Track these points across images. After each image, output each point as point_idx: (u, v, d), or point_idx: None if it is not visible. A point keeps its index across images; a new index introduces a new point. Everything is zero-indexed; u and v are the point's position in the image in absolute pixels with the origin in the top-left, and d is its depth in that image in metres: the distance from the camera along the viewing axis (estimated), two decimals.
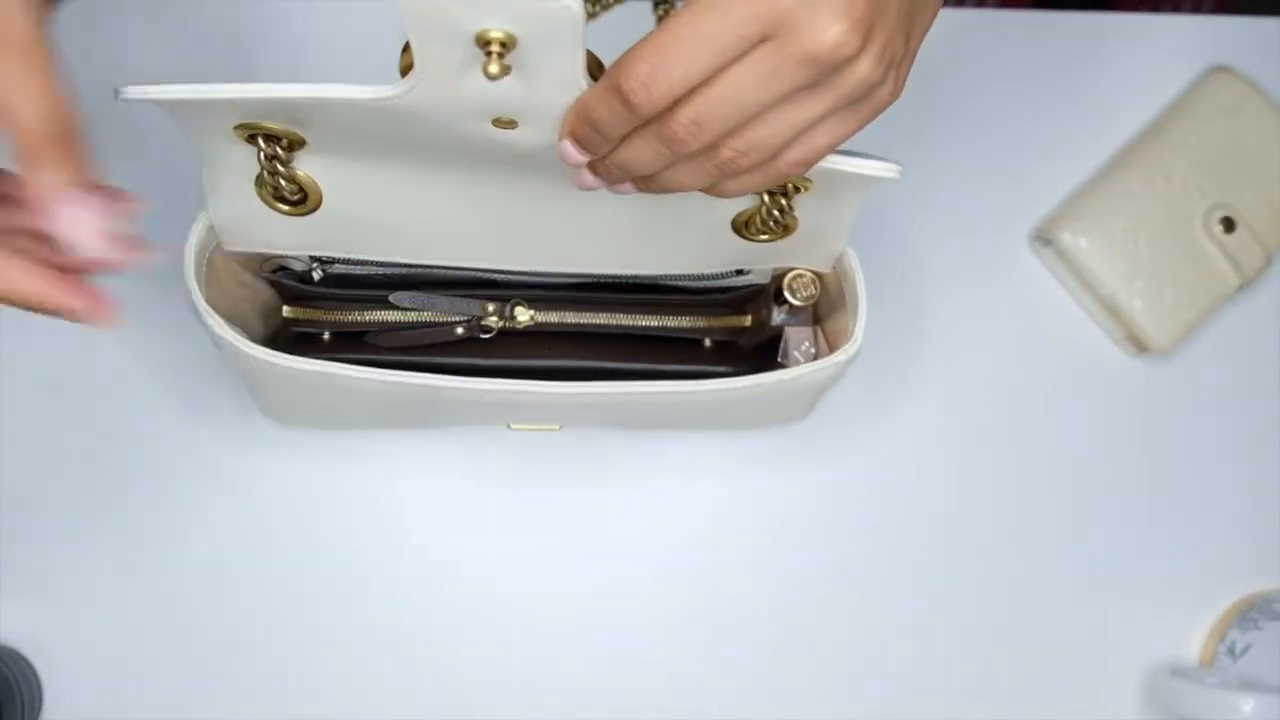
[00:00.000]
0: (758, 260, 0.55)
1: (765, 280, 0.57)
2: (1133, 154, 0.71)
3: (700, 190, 0.41)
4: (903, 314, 0.70)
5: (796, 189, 0.48)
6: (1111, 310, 0.69)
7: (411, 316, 0.56)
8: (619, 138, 0.39)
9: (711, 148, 0.38)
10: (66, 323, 0.66)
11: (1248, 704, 0.60)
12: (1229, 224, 0.69)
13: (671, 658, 0.66)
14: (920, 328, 0.70)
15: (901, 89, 0.40)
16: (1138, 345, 0.70)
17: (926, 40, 0.71)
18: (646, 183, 0.41)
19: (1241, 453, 0.70)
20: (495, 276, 0.56)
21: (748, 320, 0.58)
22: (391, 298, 0.55)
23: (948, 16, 0.73)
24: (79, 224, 0.38)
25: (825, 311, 0.57)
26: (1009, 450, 0.69)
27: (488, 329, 0.56)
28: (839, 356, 0.52)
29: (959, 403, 0.69)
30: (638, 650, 0.66)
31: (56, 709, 0.64)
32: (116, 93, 0.42)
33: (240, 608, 0.65)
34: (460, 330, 0.56)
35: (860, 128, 0.40)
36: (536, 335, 0.57)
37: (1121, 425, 0.70)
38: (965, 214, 0.71)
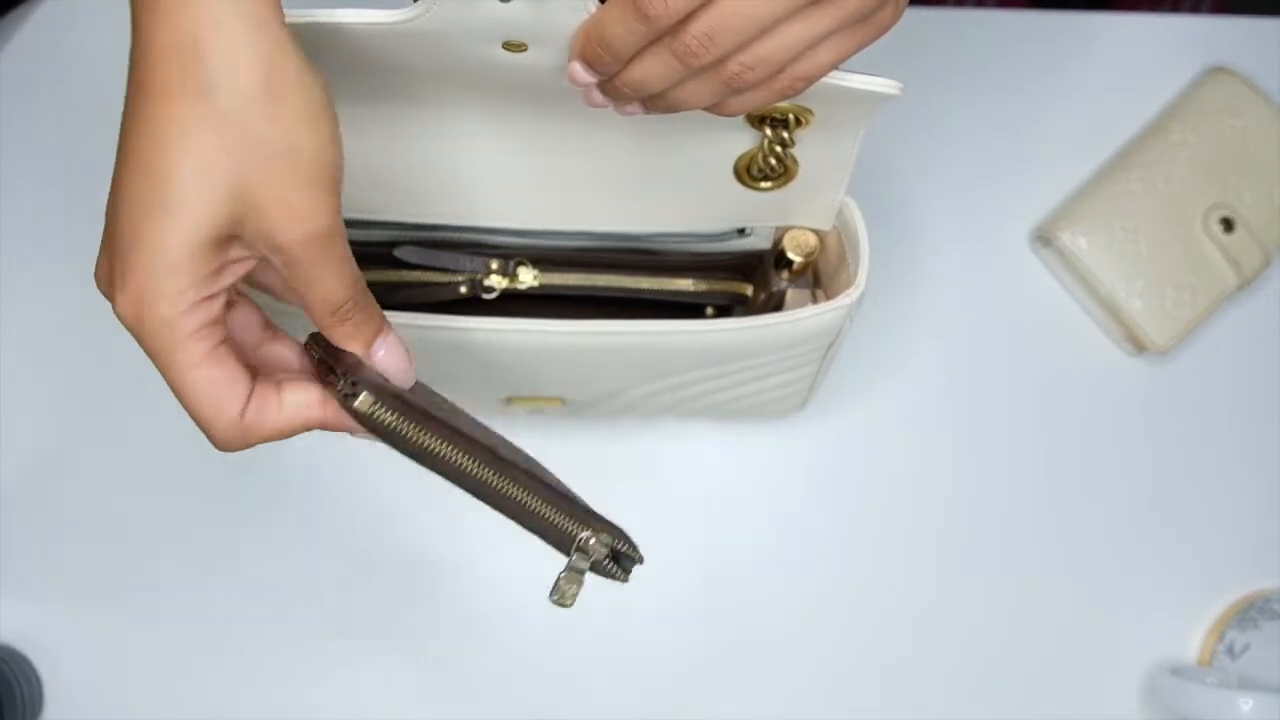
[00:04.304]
0: (759, 214, 0.55)
1: (766, 245, 0.58)
2: (1132, 154, 0.71)
3: (705, 109, 0.42)
4: (902, 313, 0.70)
5: (798, 121, 0.48)
6: (1111, 310, 0.69)
7: (413, 276, 0.56)
8: (629, 57, 0.40)
9: (720, 62, 0.39)
10: (63, 318, 0.66)
11: (1247, 703, 0.60)
12: (1228, 224, 0.70)
13: (671, 648, 0.66)
14: (920, 327, 0.70)
15: (903, 11, 0.41)
16: (1137, 345, 0.70)
17: (926, 40, 0.72)
18: (654, 101, 0.42)
19: (1241, 453, 0.70)
20: (499, 240, 0.56)
21: (749, 288, 0.58)
22: (397, 251, 0.55)
23: (948, 16, 0.73)
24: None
25: (826, 278, 0.58)
26: (1008, 450, 0.69)
27: (490, 289, 0.56)
28: (843, 300, 0.52)
29: (958, 403, 0.69)
30: (637, 640, 0.66)
31: (56, 709, 0.64)
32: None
33: (241, 606, 0.65)
34: (463, 289, 0.56)
35: (862, 47, 0.41)
36: (538, 300, 0.56)
37: (1121, 425, 0.70)
38: (965, 214, 0.71)
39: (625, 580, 0.43)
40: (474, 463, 0.41)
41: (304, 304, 0.40)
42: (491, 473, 0.41)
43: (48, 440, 0.66)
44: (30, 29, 0.70)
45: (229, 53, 0.36)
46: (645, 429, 0.67)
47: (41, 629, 0.64)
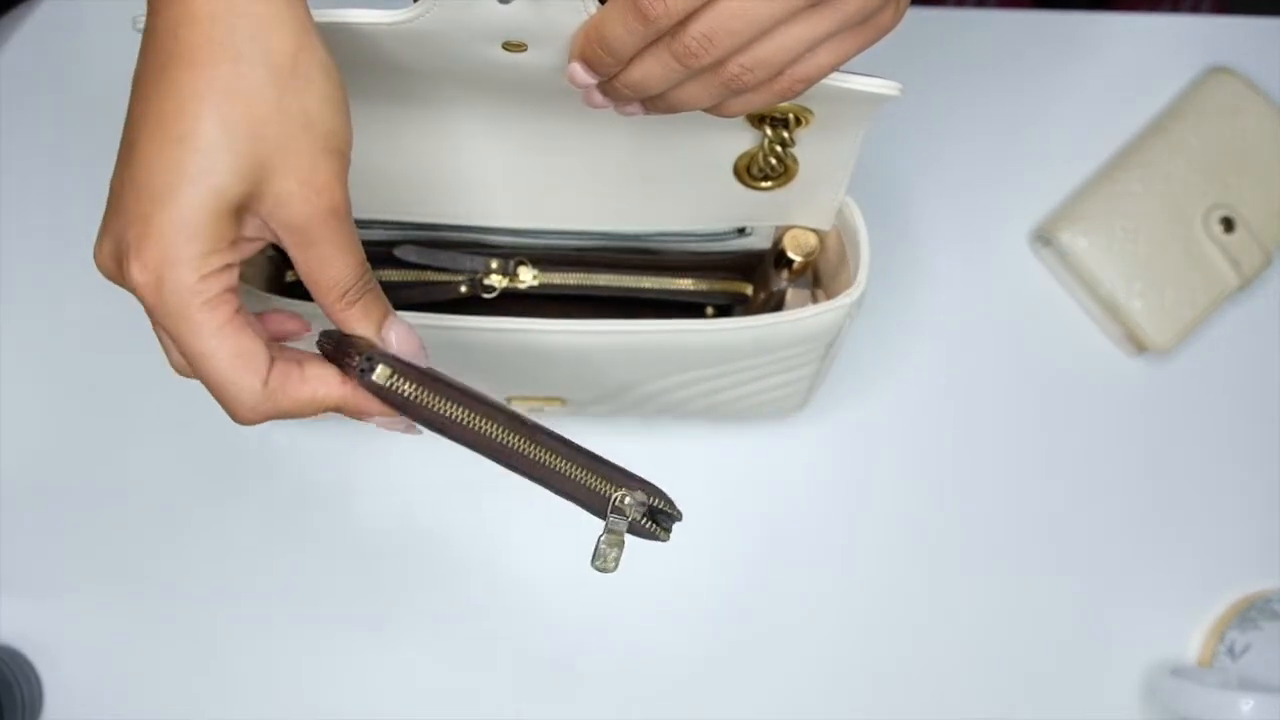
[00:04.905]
0: (759, 214, 0.55)
1: (766, 244, 0.58)
2: (1132, 154, 0.71)
3: (705, 110, 0.42)
4: (902, 313, 0.70)
5: (798, 121, 0.48)
6: (1111, 310, 0.69)
7: (413, 275, 0.56)
8: (629, 57, 0.40)
9: (719, 64, 0.39)
10: (63, 317, 0.66)
11: (1247, 704, 0.60)
12: (1228, 224, 0.70)
13: (671, 648, 0.66)
14: (919, 328, 0.70)
15: (903, 14, 0.41)
16: (1137, 345, 0.70)
17: (926, 40, 0.72)
18: (654, 102, 0.42)
19: (1241, 453, 0.70)
20: (499, 240, 0.56)
21: (749, 288, 0.58)
22: (396, 251, 0.55)
23: (948, 16, 0.73)
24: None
25: (826, 278, 0.58)
26: (1009, 450, 0.69)
27: (490, 289, 0.56)
28: (843, 300, 0.52)
29: (958, 403, 0.69)
30: (637, 639, 0.66)
31: (56, 709, 0.64)
32: (134, 23, 0.42)
33: (241, 606, 0.65)
34: (463, 289, 0.56)
35: (862, 49, 0.41)
36: (538, 300, 0.57)
37: (1121, 425, 0.70)
38: (965, 214, 0.71)
39: (666, 539, 0.43)
40: (499, 429, 0.41)
41: (312, 288, 0.40)
42: (518, 438, 0.41)
43: (48, 440, 0.66)
44: (30, 29, 0.70)
45: (261, 27, 0.36)
46: (645, 429, 0.67)
47: (41, 629, 0.64)
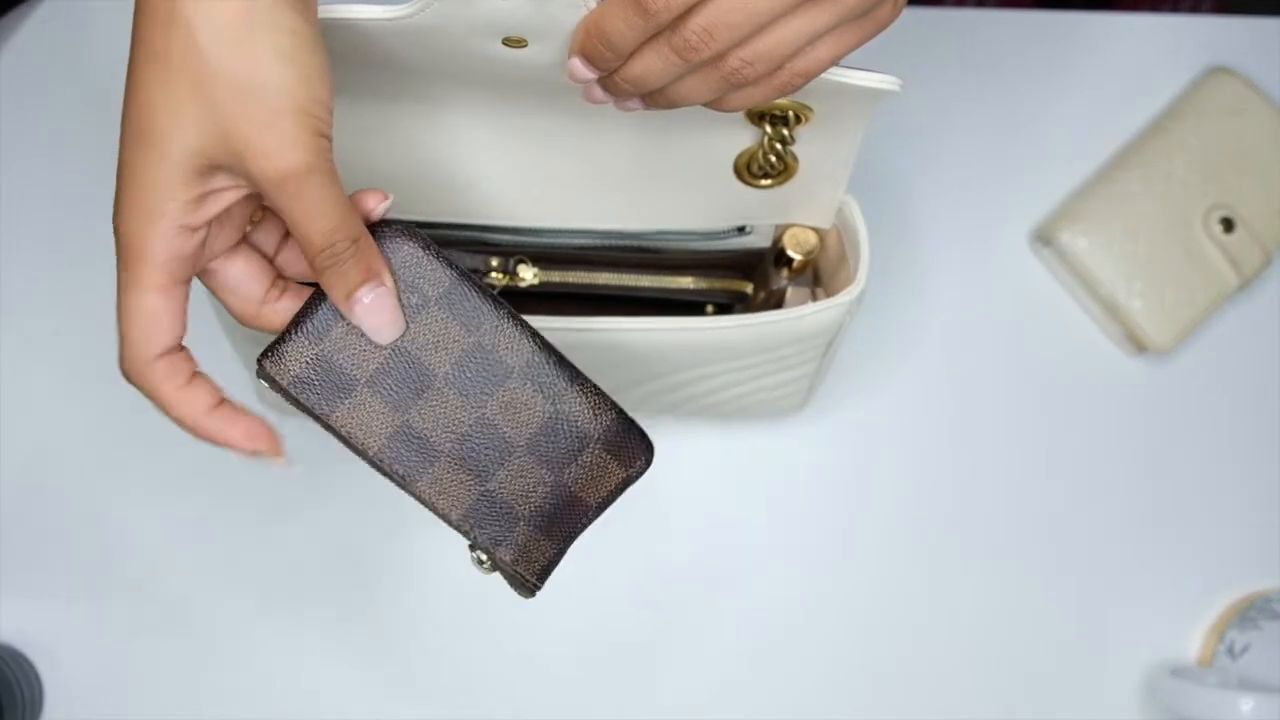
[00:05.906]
0: (759, 213, 0.55)
1: (766, 243, 0.58)
2: (1132, 154, 0.71)
3: (705, 105, 0.43)
4: (902, 313, 0.70)
5: (798, 118, 0.48)
6: (1111, 310, 0.69)
7: None
8: (629, 52, 0.40)
9: (719, 58, 0.40)
10: (63, 316, 0.66)
11: (1247, 704, 0.60)
12: (1228, 224, 0.70)
13: (669, 648, 0.66)
14: (919, 328, 0.70)
15: (902, 8, 0.41)
16: (1137, 345, 0.70)
17: (926, 40, 0.72)
18: (654, 97, 0.42)
19: (1241, 453, 0.70)
20: (499, 238, 0.56)
21: (749, 286, 0.58)
22: None
23: (947, 16, 0.73)
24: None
25: (826, 276, 0.58)
26: (1008, 450, 0.69)
27: (490, 287, 0.56)
28: (842, 297, 0.52)
29: (958, 403, 0.69)
30: (634, 639, 0.66)
31: (57, 709, 0.64)
32: None
33: (241, 606, 0.65)
34: None
35: (861, 43, 0.41)
36: (538, 298, 0.57)
37: (1121, 425, 0.70)
38: (965, 214, 0.71)
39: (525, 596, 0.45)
40: (362, 455, 0.43)
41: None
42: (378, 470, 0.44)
43: (47, 439, 0.66)
44: (30, 29, 0.70)
45: None
46: (645, 428, 0.67)
47: (41, 629, 0.64)
